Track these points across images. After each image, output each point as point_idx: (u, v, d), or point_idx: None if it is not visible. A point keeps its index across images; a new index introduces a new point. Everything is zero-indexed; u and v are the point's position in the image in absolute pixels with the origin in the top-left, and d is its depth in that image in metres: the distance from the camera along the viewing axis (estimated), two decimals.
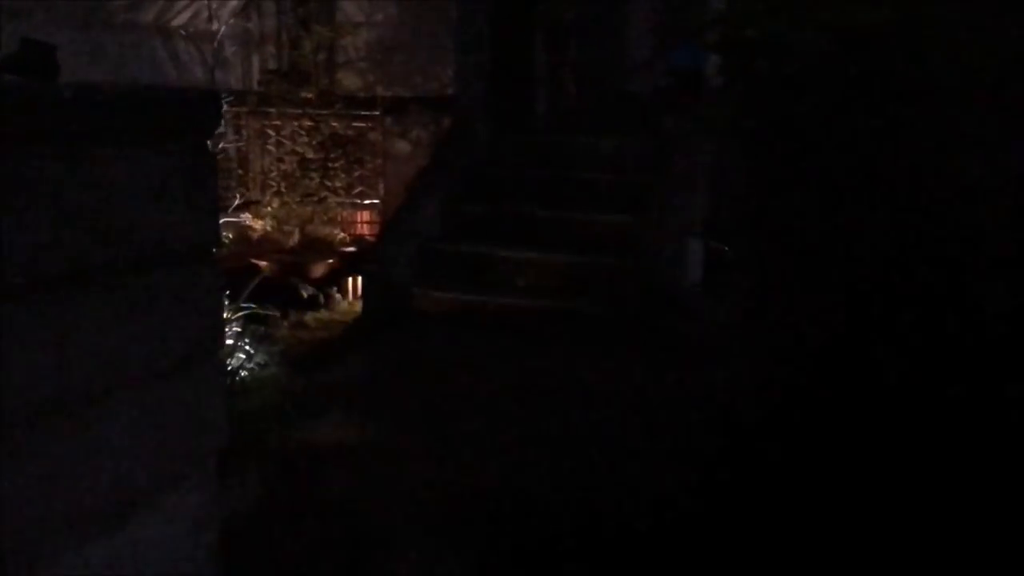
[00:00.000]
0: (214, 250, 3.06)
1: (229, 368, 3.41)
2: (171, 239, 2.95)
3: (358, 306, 5.82)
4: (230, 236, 4.27)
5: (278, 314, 5.50)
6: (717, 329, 5.15)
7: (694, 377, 4.17)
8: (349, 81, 6.66)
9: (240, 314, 3.63)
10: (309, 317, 5.64)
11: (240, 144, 6.30)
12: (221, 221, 5.99)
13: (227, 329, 3.57)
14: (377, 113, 6.64)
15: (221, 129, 3.56)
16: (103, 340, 2.80)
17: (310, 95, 6.25)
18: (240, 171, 6.38)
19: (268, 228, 6.17)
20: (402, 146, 6.85)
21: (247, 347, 3.58)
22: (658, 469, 3.28)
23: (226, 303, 3.73)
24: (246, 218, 6.16)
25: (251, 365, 3.52)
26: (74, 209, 2.65)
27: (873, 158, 2.05)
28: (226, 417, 3.31)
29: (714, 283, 5.71)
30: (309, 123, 6.24)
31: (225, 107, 3.55)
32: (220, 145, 3.54)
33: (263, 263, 6.11)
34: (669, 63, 7.52)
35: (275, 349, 3.63)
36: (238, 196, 6.34)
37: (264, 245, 6.35)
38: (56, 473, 2.59)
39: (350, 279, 6.12)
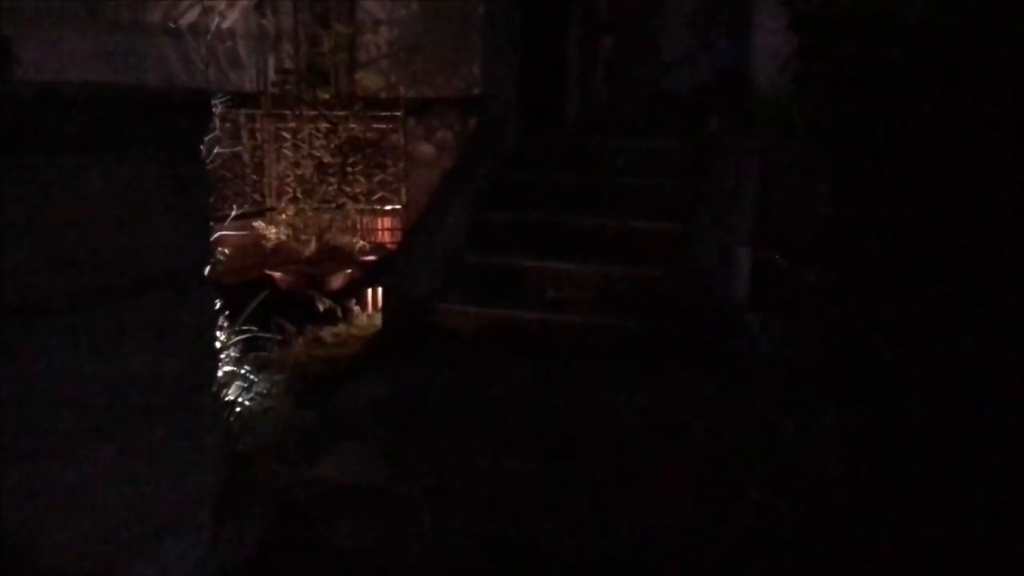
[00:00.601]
0: (207, 270, 2.66)
1: (226, 400, 3.03)
2: (154, 259, 2.53)
3: (378, 319, 5.44)
4: (226, 249, 3.92)
5: (293, 329, 5.15)
6: (768, 348, 4.71)
7: (751, 411, 3.72)
8: (370, 81, 6.29)
9: (239, 338, 3.25)
10: (326, 332, 5.27)
11: (246, 148, 5.94)
12: (234, 231, 5.64)
13: (224, 355, 3.19)
14: (399, 114, 6.27)
15: (217, 132, 3.20)
16: (73, 378, 2.37)
17: (328, 96, 5.88)
18: (254, 176, 6.03)
19: (283, 237, 5.80)
20: (425, 149, 6.47)
21: (248, 375, 3.19)
22: (713, 532, 2.84)
23: (226, 324, 3.35)
24: (260, 226, 5.80)
25: (251, 395, 3.14)
26: (31, 228, 2.20)
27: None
28: (222, 458, 2.90)
29: (763, 296, 5.27)
30: (327, 125, 5.87)
31: (221, 108, 3.19)
32: (216, 150, 3.17)
33: (278, 274, 5.75)
34: (710, 60, 7.08)
35: (279, 378, 3.25)
36: (252, 203, 6.00)
37: (280, 254, 6.00)
38: (19, 527, 2.12)
39: (370, 290, 5.74)
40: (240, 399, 3.10)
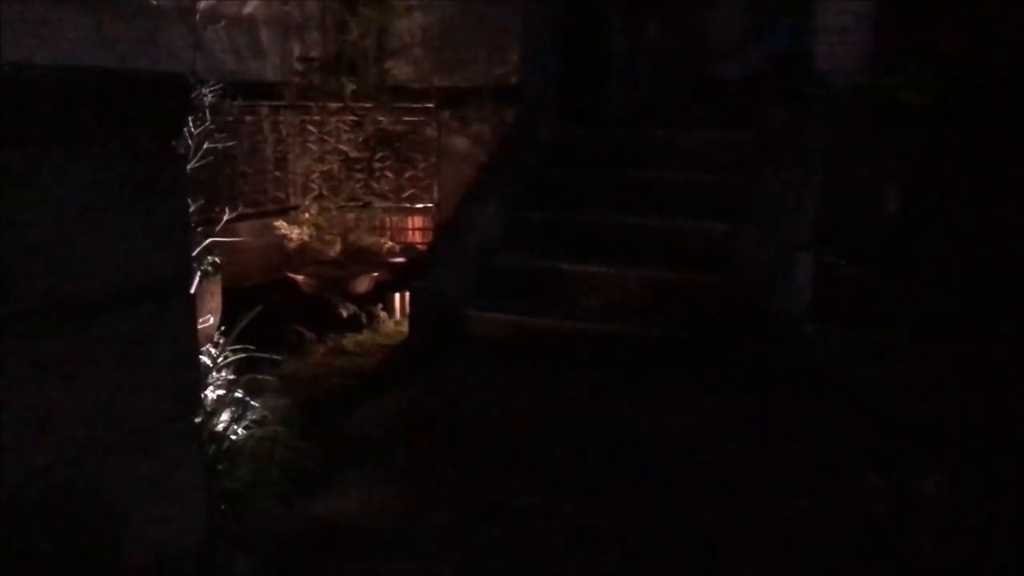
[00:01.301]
0: (192, 283, 2.29)
1: (218, 430, 2.68)
2: (121, 272, 2.16)
3: (406, 326, 5.08)
4: (215, 257, 3.60)
5: (313, 337, 4.82)
6: (830, 365, 4.25)
7: (819, 451, 3.25)
8: (400, 70, 5.93)
9: (231, 358, 2.89)
10: (349, 340, 4.92)
11: (268, 142, 5.61)
12: (255, 231, 5.31)
13: (218, 376, 2.84)
14: (431, 105, 5.89)
15: (209, 124, 2.85)
16: (22, 412, 1.98)
17: (354, 86, 5.52)
18: (277, 173, 5.70)
19: (306, 237, 5.46)
20: (460, 142, 6.09)
21: (245, 398, 2.84)
22: None
23: (222, 340, 3.00)
24: (282, 225, 5.48)
25: (247, 423, 2.78)
26: None
27: None
28: (206, 501, 2.53)
29: (827, 306, 4.79)
30: (352, 118, 5.51)
31: (213, 98, 2.84)
32: (205, 145, 2.82)
33: (300, 277, 5.43)
34: (766, 45, 6.56)
35: (275, 404, 2.90)
36: (274, 200, 5.68)
37: (303, 256, 5.67)
38: None
39: (397, 295, 5.37)
40: (233, 427, 2.74)
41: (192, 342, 2.41)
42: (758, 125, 5.78)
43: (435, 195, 5.94)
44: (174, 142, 2.29)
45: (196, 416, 2.52)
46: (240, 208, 5.07)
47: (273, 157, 5.65)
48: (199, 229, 3.42)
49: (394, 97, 5.75)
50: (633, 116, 6.54)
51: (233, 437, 2.77)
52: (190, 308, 2.41)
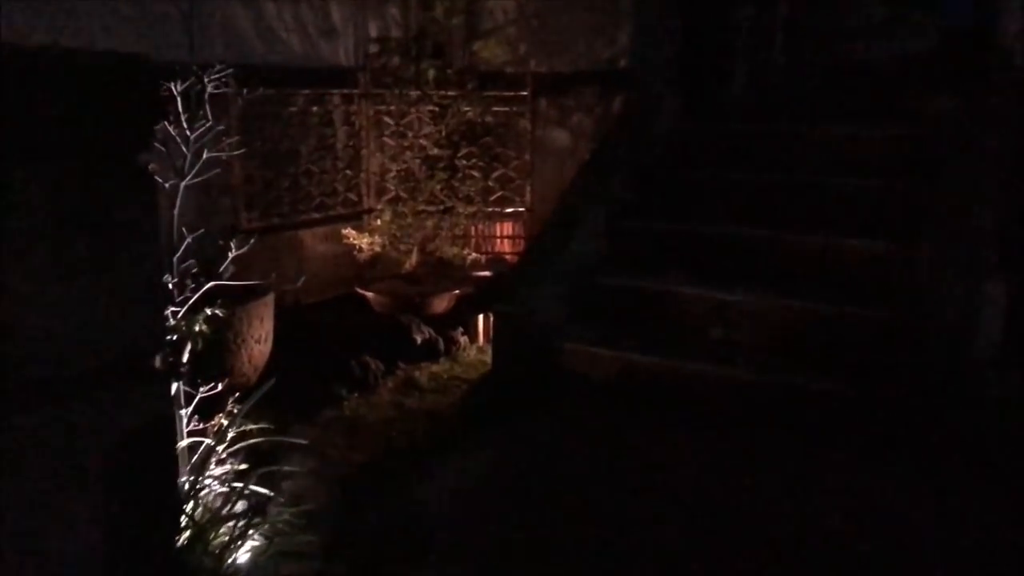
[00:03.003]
0: (154, 359, 1.53)
1: (218, 546, 1.93)
2: (51, 349, 1.40)
3: (489, 354, 4.29)
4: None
5: (381, 368, 4.09)
6: None
7: None
8: (491, 52, 5.13)
9: (240, 444, 2.14)
10: (423, 372, 4.19)
11: (339, 137, 4.89)
12: (323, 239, 4.60)
13: (219, 466, 2.09)
14: (525, 93, 5.07)
15: (210, 121, 2.10)
16: None
17: (435, 71, 4.75)
18: (348, 171, 4.98)
19: (377, 248, 4.73)
20: (558, 136, 5.26)
21: (257, 493, 2.09)
22: None
23: (235, 409, 2.25)
24: (352, 233, 4.76)
25: (264, 529, 2.04)
26: None
27: None
28: None
29: (1020, 345, 3.76)
30: (431, 108, 4.73)
31: (213, 87, 2.10)
32: (205, 156, 2.06)
33: (370, 294, 4.70)
34: (935, 19, 5.47)
35: (302, 508, 2.13)
36: (345, 203, 4.97)
37: (376, 267, 4.95)
38: None
39: (480, 316, 4.60)
40: (240, 541, 1.99)
41: (165, 445, 1.66)
42: (923, 117, 4.74)
43: (528, 198, 5.13)
44: (132, 158, 1.53)
45: (175, 539, 1.78)
46: (300, 212, 4.37)
47: (344, 154, 4.93)
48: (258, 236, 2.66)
49: (483, 84, 4.96)
50: (764, 106, 5.55)
51: (244, 550, 2.02)
52: (163, 395, 1.66)
